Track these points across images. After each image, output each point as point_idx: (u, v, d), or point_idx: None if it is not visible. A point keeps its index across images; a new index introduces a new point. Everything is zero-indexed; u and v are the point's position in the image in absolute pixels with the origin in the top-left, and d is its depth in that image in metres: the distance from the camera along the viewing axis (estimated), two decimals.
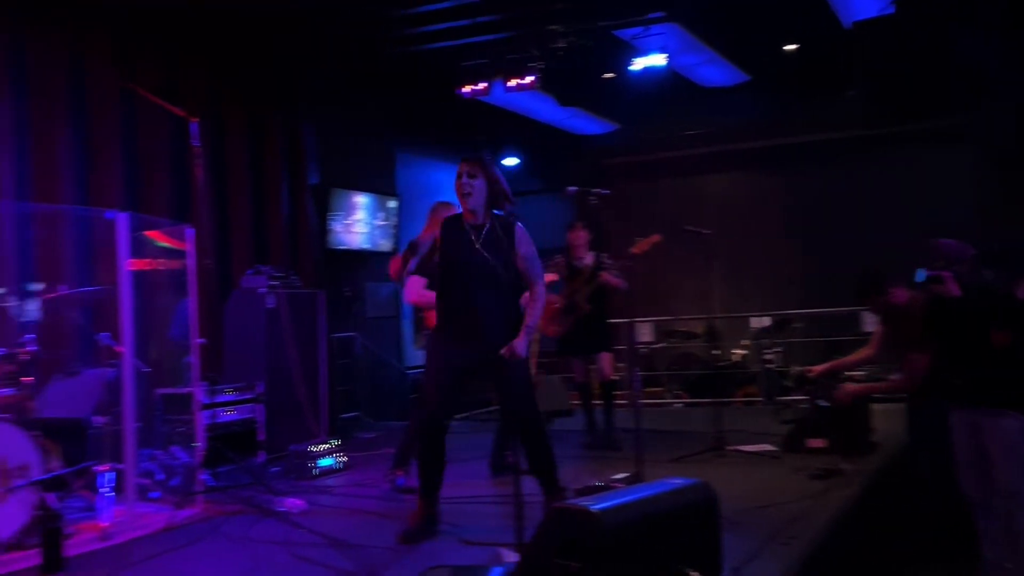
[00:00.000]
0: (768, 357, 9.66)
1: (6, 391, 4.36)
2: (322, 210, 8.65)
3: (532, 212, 11.95)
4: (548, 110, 10.28)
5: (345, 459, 6.25)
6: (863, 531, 4.57)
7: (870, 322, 6.93)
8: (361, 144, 9.53)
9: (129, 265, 4.57)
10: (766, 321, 10.40)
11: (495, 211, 4.09)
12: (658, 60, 7.83)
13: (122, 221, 4.47)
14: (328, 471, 6.01)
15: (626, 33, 8.20)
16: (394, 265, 4.90)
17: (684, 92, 9.96)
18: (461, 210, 4.14)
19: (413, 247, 4.06)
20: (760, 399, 9.24)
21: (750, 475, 5.33)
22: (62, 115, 6.25)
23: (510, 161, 11.53)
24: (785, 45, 9.00)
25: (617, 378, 6.78)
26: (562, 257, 6.45)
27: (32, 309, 5.31)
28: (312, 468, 5.90)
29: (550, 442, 4.26)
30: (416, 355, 10.07)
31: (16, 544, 4.05)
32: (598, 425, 6.53)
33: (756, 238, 10.92)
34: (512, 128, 10.84)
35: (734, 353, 10.39)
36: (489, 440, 5.93)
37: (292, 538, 4.23)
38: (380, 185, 9.77)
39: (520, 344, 3.96)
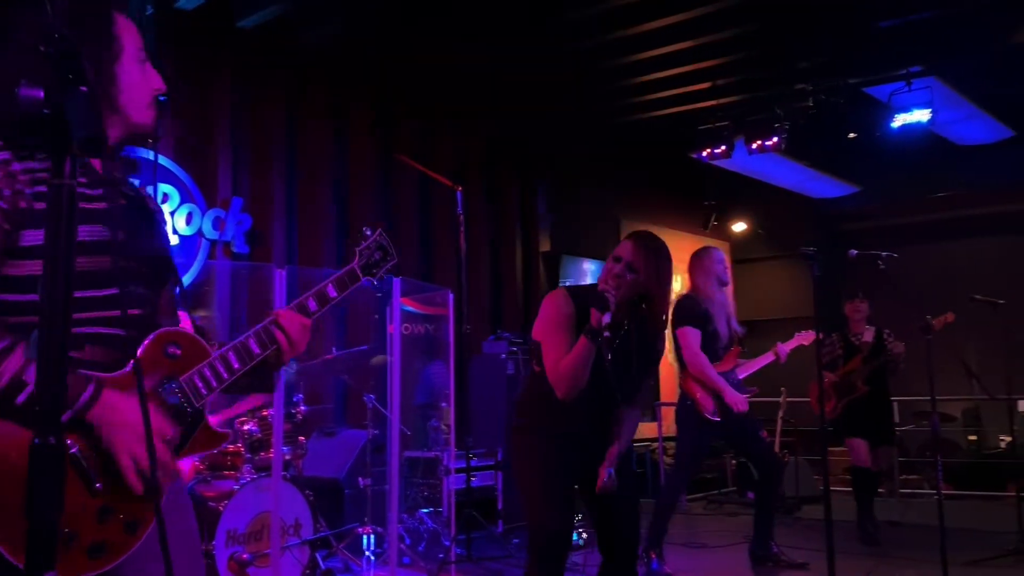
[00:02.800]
0: None
1: (286, 449, 4.49)
2: (553, 277, 8.63)
3: (762, 279, 11.54)
4: (781, 172, 9.82)
5: (586, 535, 5.97)
6: None
7: None
8: (588, 211, 9.50)
9: (399, 329, 4.62)
10: None
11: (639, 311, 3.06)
12: (921, 116, 7.22)
13: (396, 285, 4.54)
14: (572, 547, 5.75)
15: (882, 90, 7.67)
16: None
17: (937, 151, 9.17)
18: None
19: None
20: None
21: None
22: (327, 183, 6.65)
23: (738, 226, 11.10)
24: None
25: (883, 470, 6.12)
26: (837, 332, 5.97)
27: (300, 370, 5.53)
28: None
29: None
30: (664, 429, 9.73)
31: None
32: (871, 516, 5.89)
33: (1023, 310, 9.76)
34: (741, 191, 10.45)
35: (1003, 440, 9.21)
36: (734, 522, 5.45)
37: None
38: (606, 252, 9.64)
39: (610, 471, 2.98)
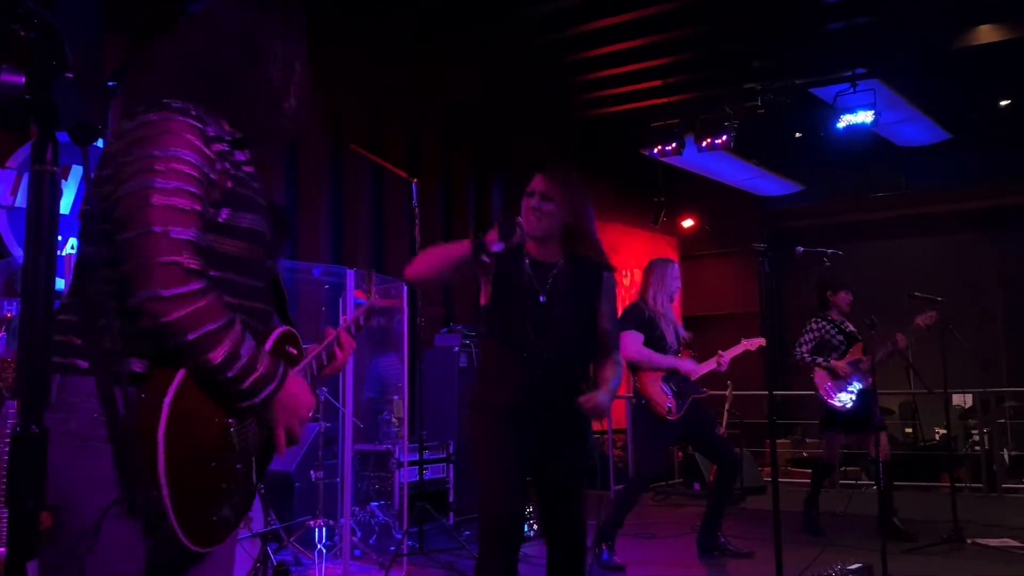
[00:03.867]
0: (975, 439, 8.81)
1: None
2: None
3: (708, 276, 11.73)
4: (729, 170, 9.99)
5: (536, 527, 6.02)
6: None
7: None
8: None
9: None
10: (969, 399, 9.54)
11: (571, 250, 2.89)
12: (865, 117, 7.42)
13: (350, 277, 4.51)
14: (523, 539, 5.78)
15: (828, 92, 7.86)
16: None
17: (879, 152, 9.44)
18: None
19: None
20: (979, 485, 8.37)
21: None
22: (279, 173, 6.55)
23: (686, 222, 11.27)
24: (1001, 101, 8.37)
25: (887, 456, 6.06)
26: (823, 320, 5.98)
27: None
28: None
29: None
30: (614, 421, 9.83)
31: None
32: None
33: (957, 307, 10.11)
34: (690, 188, 10.61)
35: (938, 432, 9.53)
36: (681, 513, 5.54)
37: None
38: None
39: (604, 398, 2.78)
